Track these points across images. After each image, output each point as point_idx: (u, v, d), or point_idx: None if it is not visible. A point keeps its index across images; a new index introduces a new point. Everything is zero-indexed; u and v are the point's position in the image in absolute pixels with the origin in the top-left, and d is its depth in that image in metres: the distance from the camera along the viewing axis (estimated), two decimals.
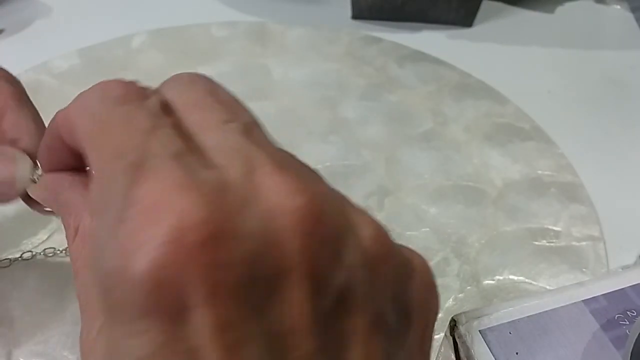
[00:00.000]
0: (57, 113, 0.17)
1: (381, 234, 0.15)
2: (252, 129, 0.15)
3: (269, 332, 0.13)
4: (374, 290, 0.14)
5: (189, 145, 0.14)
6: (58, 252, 0.33)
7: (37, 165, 0.24)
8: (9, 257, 0.33)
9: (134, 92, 0.15)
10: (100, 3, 0.55)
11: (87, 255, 0.16)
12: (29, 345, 0.29)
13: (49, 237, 0.34)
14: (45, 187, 0.20)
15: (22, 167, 0.24)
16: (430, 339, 0.16)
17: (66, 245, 0.33)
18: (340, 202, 0.14)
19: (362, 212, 0.15)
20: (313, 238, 0.13)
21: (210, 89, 0.16)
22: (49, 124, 0.18)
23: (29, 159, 0.24)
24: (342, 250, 0.14)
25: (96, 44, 0.49)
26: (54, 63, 0.47)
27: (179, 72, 0.16)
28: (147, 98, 0.15)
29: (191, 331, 0.12)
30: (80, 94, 0.16)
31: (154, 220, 0.12)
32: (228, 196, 0.13)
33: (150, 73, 0.45)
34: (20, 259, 0.32)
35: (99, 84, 0.16)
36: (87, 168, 0.19)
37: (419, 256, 0.16)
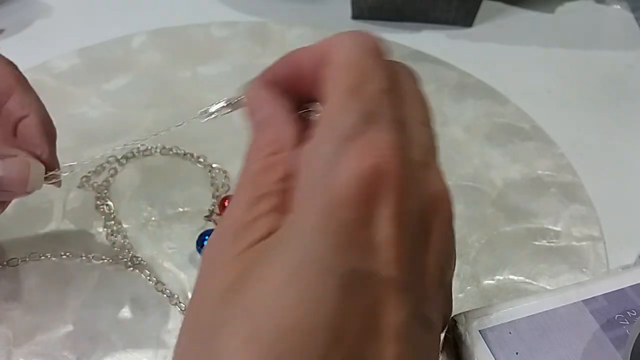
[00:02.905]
0: (302, 48, 0.20)
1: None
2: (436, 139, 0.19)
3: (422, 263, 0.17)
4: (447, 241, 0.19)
5: (402, 117, 0.18)
6: (64, 255, 0.33)
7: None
8: (16, 257, 0.33)
9: (383, 51, 0.19)
10: (100, 3, 0.55)
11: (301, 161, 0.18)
12: (29, 345, 0.29)
13: (49, 237, 0.34)
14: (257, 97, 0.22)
15: (36, 172, 0.27)
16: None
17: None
18: None
19: None
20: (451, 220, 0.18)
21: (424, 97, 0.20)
22: (291, 53, 0.20)
23: (42, 165, 0.27)
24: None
25: (96, 44, 0.49)
26: (54, 63, 0.47)
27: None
28: (387, 62, 0.19)
29: (375, 223, 0.16)
30: (339, 38, 0.19)
31: (374, 149, 0.16)
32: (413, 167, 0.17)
33: (150, 73, 0.45)
34: (27, 259, 0.32)
35: (356, 33, 0.19)
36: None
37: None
